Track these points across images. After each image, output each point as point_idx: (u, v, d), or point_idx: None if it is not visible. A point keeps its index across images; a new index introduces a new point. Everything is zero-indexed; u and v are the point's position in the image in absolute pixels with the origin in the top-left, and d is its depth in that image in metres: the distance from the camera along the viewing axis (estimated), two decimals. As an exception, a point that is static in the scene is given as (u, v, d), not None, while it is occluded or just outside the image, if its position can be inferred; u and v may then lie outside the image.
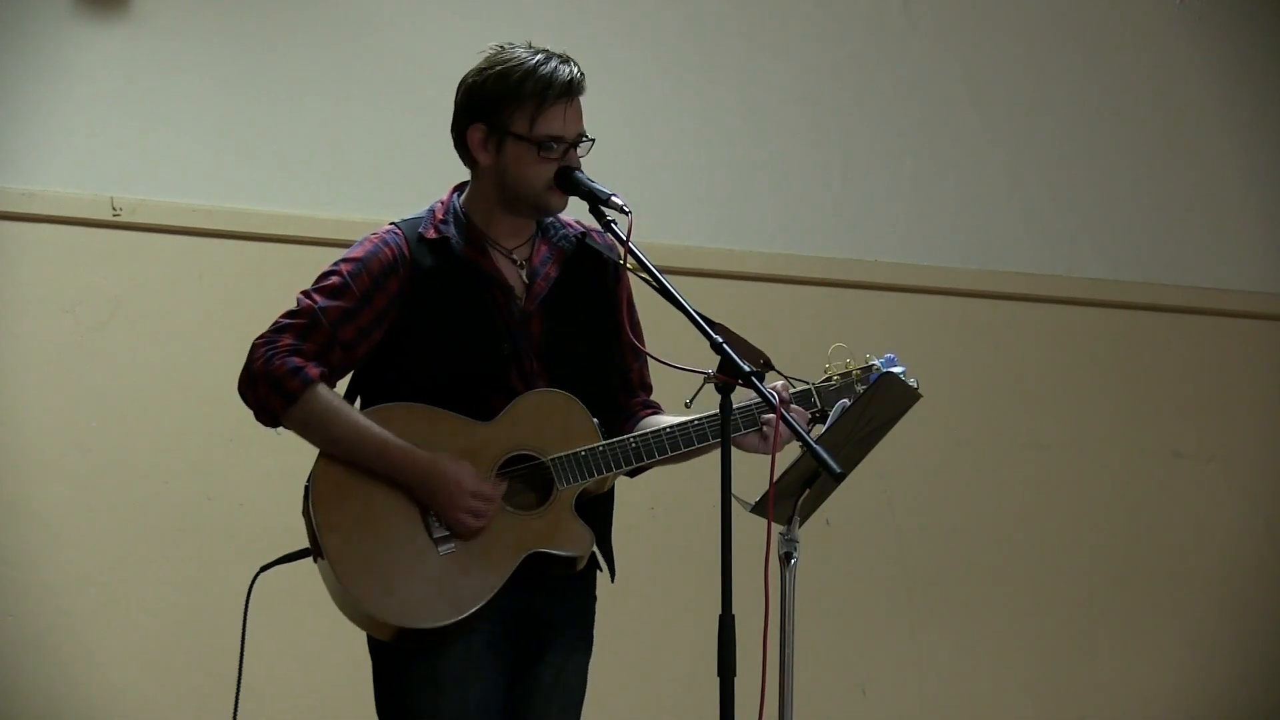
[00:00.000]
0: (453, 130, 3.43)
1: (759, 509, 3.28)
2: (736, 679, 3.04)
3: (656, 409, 3.57)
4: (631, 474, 3.45)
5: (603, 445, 3.36)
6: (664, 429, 3.39)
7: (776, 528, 3.27)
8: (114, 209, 4.90)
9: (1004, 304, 5.83)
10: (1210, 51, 6.10)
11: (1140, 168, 6.04)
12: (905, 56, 5.81)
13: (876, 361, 3.49)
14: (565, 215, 3.49)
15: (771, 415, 3.32)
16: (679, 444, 3.38)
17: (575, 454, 3.34)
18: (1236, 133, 6.13)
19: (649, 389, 3.59)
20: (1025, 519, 5.80)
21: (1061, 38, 5.99)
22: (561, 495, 3.33)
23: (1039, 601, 5.78)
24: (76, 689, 4.80)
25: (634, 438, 3.37)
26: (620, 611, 5.25)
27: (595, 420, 3.38)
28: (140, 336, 4.91)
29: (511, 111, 3.34)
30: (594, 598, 3.52)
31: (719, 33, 5.61)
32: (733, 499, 3.10)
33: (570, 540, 3.34)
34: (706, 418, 3.38)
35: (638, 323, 3.53)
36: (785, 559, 3.32)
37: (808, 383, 3.47)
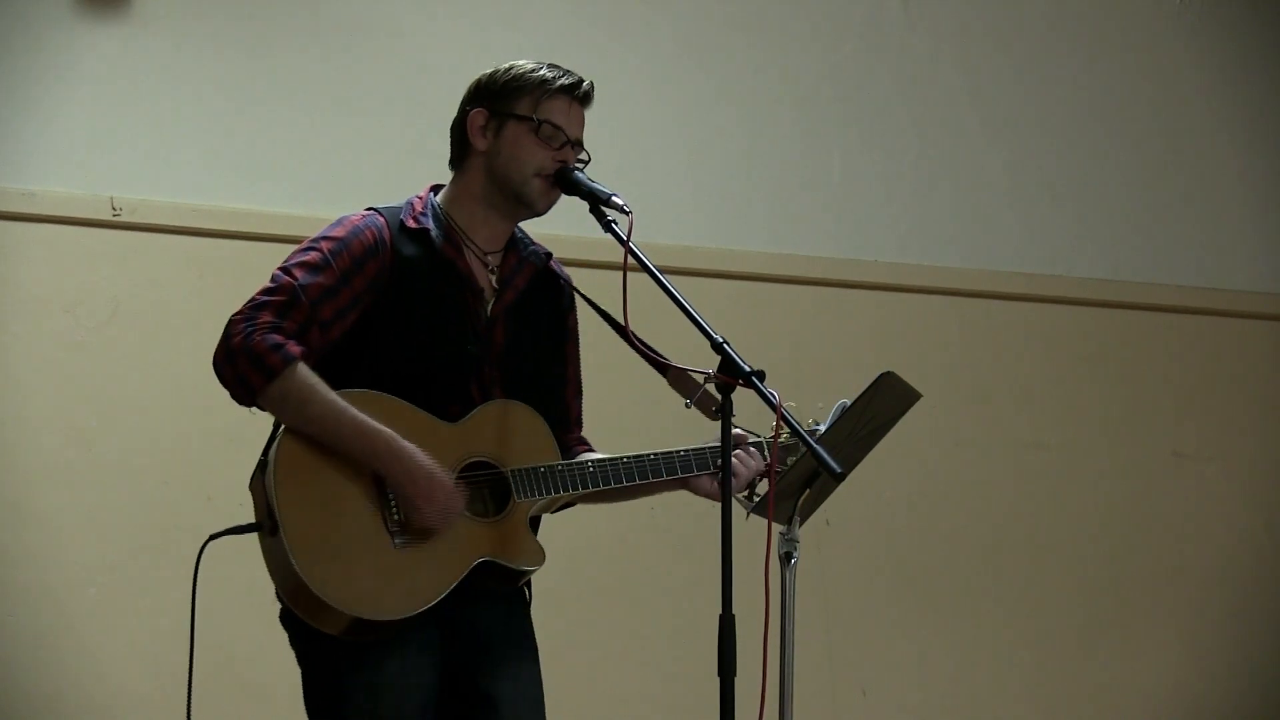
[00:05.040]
0: (453, 123, 3.44)
1: (759, 509, 3.28)
2: (736, 679, 3.04)
3: (590, 448, 3.57)
4: (558, 510, 3.47)
5: (561, 465, 3.36)
6: (621, 458, 3.40)
7: (776, 528, 3.27)
8: (114, 209, 4.90)
9: (1004, 304, 5.84)
10: (1209, 52, 6.11)
11: (1140, 168, 6.04)
12: (905, 57, 5.81)
13: (820, 427, 3.46)
14: (534, 234, 3.50)
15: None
16: (634, 474, 3.39)
17: (535, 469, 3.34)
18: (1236, 133, 6.13)
19: (581, 427, 3.59)
20: (1025, 519, 5.81)
21: (1060, 38, 5.99)
22: (518, 508, 3.32)
23: (1038, 601, 5.79)
24: (76, 689, 4.80)
25: (592, 462, 3.38)
26: (620, 611, 5.28)
27: (555, 440, 3.39)
28: (140, 336, 4.92)
29: (517, 97, 3.37)
30: (529, 608, 3.49)
31: (718, 33, 5.61)
32: (733, 499, 3.10)
33: (523, 554, 3.32)
34: (662, 454, 3.40)
35: (579, 360, 3.55)
36: (785, 559, 3.32)
37: (759, 436, 3.46)
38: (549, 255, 3.51)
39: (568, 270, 3.57)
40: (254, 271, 4.91)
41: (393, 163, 5.13)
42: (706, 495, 3.42)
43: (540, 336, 3.46)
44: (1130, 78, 6.06)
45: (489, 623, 3.37)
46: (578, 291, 3.50)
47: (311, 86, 5.13)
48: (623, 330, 3.32)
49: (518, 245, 3.47)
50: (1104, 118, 6.02)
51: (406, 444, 3.22)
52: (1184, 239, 6.06)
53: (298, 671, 3.36)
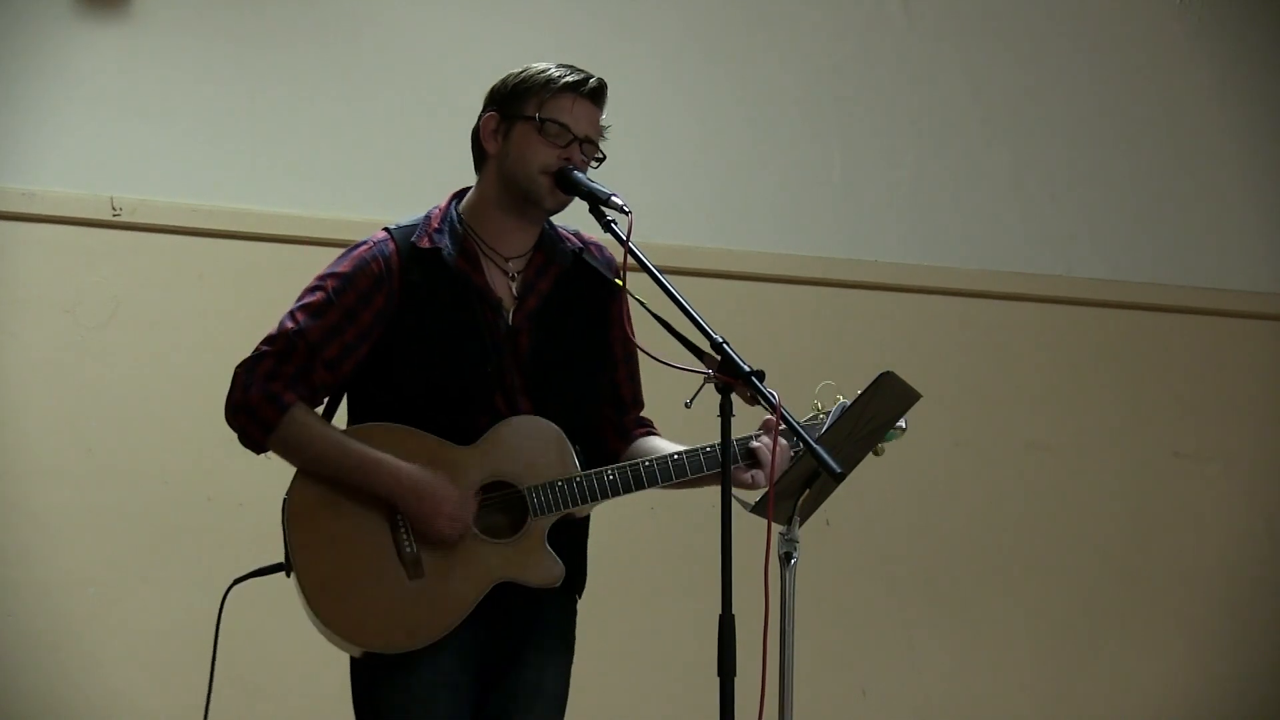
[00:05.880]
0: (472, 129, 3.45)
1: (759, 509, 3.28)
2: (736, 679, 3.04)
3: (651, 427, 3.58)
4: None
5: (580, 476, 3.35)
6: (642, 462, 3.39)
7: (776, 528, 3.27)
8: (114, 209, 4.90)
9: (1004, 304, 5.83)
10: (1210, 51, 6.11)
11: (1140, 168, 6.04)
12: (905, 56, 5.81)
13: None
14: (566, 229, 3.50)
15: (758, 443, 3.37)
16: (656, 478, 3.39)
17: (552, 484, 3.33)
18: (1236, 132, 6.13)
19: (641, 405, 3.59)
20: (1025, 519, 5.80)
21: (1061, 37, 5.99)
22: (535, 524, 3.33)
23: (1039, 601, 5.78)
24: (76, 689, 4.80)
25: (613, 469, 3.37)
26: (621, 611, 5.28)
27: (576, 449, 3.38)
28: (140, 336, 4.92)
29: (525, 99, 3.37)
30: (574, 608, 3.52)
31: (719, 32, 5.61)
32: (733, 499, 3.09)
33: (540, 572, 3.33)
34: (687, 452, 3.39)
35: (630, 339, 3.50)
36: (785, 559, 3.31)
37: (795, 423, 3.43)
38: (581, 249, 3.48)
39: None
40: (254, 271, 4.95)
41: (394, 162, 5.12)
42: (746, 488, 3.38)
43: (574, 335, 3.44)
44: (1131, 77, 6.05)
45: (523, 620, 3.39)
46: (625, 289, 3.43)
47: (312, 85, 5.13)
48: (667, 326, 3.27)
49: (545, 246, 3.45)
50: (1104, 118, 6.01)
51: (406, 466, 3.27)
52: (1184, 239, 6.06)
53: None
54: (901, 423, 3.52)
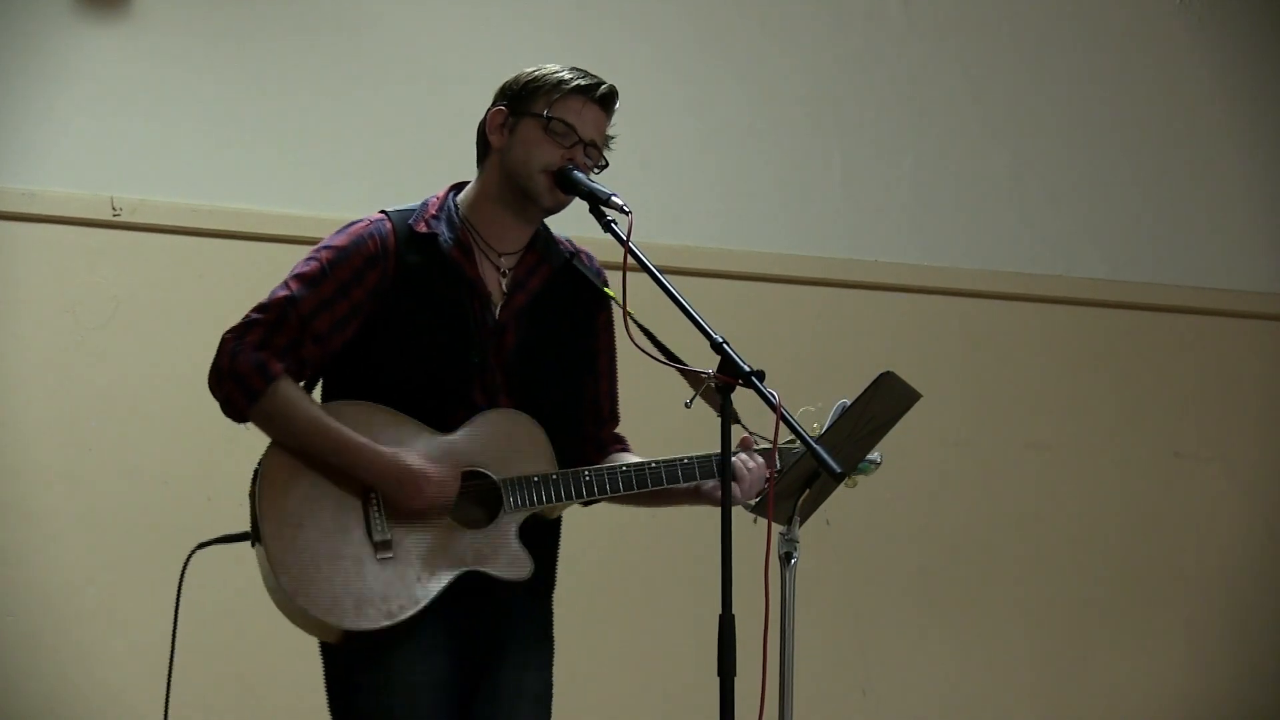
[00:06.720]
0: (479, 123, 3.45)
1: (759, 509, 3.28)
2: (736, 679, 3.04)
3: (625, 444, 3.58)
4: (586, 503, 3.45)
5: (556, 473, 3.35)
6: (620, 466, 3.39)
7: (776, 528, 3.27)
8: (114, 209, 4.90)
9: (1004, 304, 5.83)
10: (1210, 51, 6.11)
11: (1140, 168, 6.04)
12: (905, 56, 5.81)
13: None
14: (560, 234, 3.50)
15: (735, 459, 3.35)
16: (633, 483, 3.39)
17: (528, 478, 3.33)
18: (1236, 132, 6.13)
19: (617, 420, 3.59)
20: (1025, 519, 5.80)
21: (1061, 37, 5.99)
22: (508, 517, 3.33)
23: (1039, 601, 5.78)
24: (75, 689, 4.80)
25: (589, 470, 3.38)
26: (621, 611, 5.28)
27: (553, 447, 3.37)
28: (140, 336, 4.92)
29: (535, 97, 3.38)
30: (550, 606, 3.51)
31: (719, 32, 5.61)
32: (733, 499, 3.09)
33: (508, 564, 3.32)
34: (665, 461, 3.39)
35: (614, 352, 3.52)
36: (785, 559, 3.32)
37: (770, 441, 3.39)
38: (572, 254, 3.48)
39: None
40: (254, 271, 4.93)
41: (394, 162, 5.12)
42: (716, 505, 3.38)
43: (559, 337, 3.44)
44: (1131, 77, 6.06)
45: (501, 625, 3.38)
46: (611, 297, 3.45)
47: (312, 85, 5.13)
48: (654, 340, 3.29)
49: (538, 245, 3.46)
50: (1104, 117, 6.01)
51: (385, 450, 3.26)
52: (1184, 239, 6.06)
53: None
54: (876, 456, 3.52)
